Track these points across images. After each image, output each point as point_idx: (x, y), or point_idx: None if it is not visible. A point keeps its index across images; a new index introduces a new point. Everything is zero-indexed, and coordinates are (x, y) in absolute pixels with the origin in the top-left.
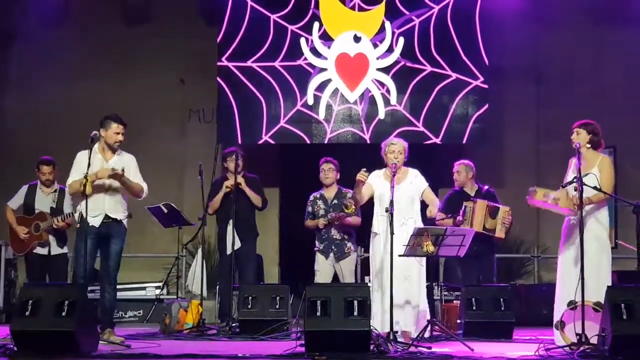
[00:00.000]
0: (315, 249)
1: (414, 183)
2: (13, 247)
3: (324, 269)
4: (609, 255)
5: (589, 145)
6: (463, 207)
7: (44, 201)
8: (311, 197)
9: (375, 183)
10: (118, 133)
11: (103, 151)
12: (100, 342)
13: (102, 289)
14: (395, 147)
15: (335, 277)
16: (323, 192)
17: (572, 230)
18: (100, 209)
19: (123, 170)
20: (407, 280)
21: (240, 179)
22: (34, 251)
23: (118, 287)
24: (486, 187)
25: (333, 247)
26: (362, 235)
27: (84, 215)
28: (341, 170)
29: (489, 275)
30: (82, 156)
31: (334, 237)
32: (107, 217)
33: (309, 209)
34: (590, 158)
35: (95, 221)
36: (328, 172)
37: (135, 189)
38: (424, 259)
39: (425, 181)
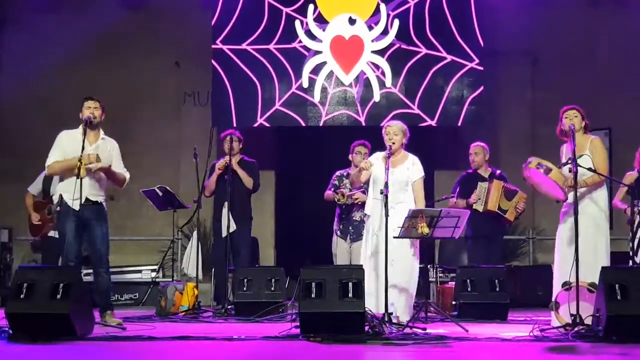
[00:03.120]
0: (335, 229)
1: (410, 170)
2: (31, 232)
3: (342, 252)
4: (607, 236)
5: (583, 130)
6: (477, 188)
7: None
8: (337, 173)
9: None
10: (89, 107)
11: (86, 134)
12: (97, 324)
13: (96, 272)
14: (390, 129)
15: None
16: (351, 170)
17: (568, 212)
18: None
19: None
20: (392, 264)
21: (233, 159)
22: (50, 234)
23: (114, 270)
24: (498, 171)
25: (351, 229)
26: None
27: (64, 198)
28: (337, 152)
29: (497, 256)
30: (64, 136)
31: (354, 218)
32: (87, 200)
33: (335, 182)
34: (582, 141)
35: (75, 204)
36: (364, 155)
37: (118, 179)
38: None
39: (420, 172)
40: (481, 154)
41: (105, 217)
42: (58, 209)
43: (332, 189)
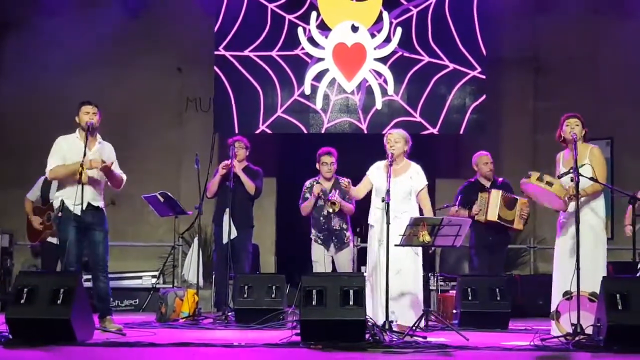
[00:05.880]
0: (313, 238)
1: (414, 179)
2: (29, 237)
3: (322, 260)
4: (605, 245)
5: (583, 139)
6: (478, 199)
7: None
8: (307, 184)
9: (374, 175)
10: (88, 113)
11: (84, 139)
12: (97, 329)
13: (95, 278)
14: (390, 137)
15: (334, 267)
16: (320, 180)
17: (567, 222)
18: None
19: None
20: (399, 274)
21: (236, 164)
22: (48, 240)
23: (114, 276)
24: (501, 178)
25: (334, 238)
26: (356, 225)
27: (66, 203)
28: (338, 160)
29: (499, 266)
30: (62, 141)
31: (334, 227)
32: (89, 205)
33: (307, 195)
34: (582, 150)
35: (77, 209)
36: (331, 165)
37: (117, 179)
38: (420, 248)
39: (424, 180)
40: (490, 164)
41: (105, 223)
42: (59, 214)
43: (305, 202)
